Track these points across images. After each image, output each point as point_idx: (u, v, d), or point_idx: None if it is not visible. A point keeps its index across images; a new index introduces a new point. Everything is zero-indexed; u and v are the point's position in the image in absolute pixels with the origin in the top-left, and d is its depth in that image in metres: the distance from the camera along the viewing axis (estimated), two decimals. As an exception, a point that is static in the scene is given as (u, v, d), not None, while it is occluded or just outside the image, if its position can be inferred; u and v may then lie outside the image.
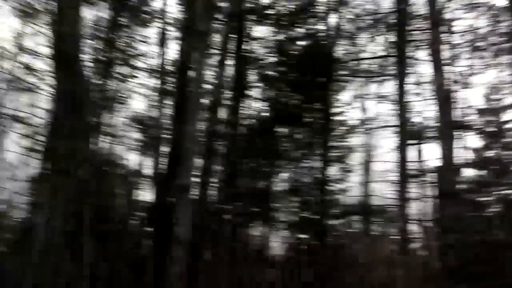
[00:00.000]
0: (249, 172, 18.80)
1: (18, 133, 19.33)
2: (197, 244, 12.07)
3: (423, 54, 18.64)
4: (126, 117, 18.99)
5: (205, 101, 12.52)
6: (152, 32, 19.30)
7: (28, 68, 18.04)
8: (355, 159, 21.96)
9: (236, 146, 16.14)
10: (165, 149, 14.91)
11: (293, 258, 20.28)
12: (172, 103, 15.88)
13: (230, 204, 15.75)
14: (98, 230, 9.93)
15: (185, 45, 15.42)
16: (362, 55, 20.67)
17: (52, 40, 14.93)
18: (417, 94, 19.01)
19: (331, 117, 19.32)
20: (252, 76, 18.71)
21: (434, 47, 15.42)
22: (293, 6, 19.07)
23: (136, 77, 19.20)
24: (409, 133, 18.33)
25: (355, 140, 21.92)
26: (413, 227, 18.66)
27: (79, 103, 8.69)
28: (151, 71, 18.77)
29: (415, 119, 19.11)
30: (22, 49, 18.56)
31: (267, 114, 19.28)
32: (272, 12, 18.96)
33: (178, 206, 8.63)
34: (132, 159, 23.11)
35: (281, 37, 19.23)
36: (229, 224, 15.59)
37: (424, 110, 19.22)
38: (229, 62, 16.37)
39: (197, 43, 11.27)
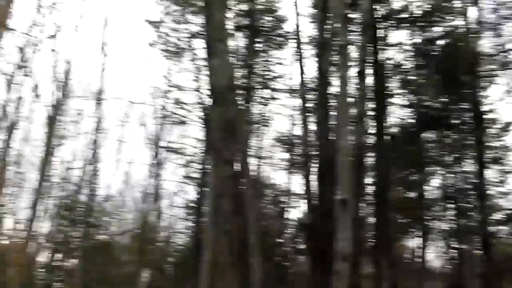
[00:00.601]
0: (400, 182, 18.26)
1: (174, 163, 20.99)
2: (356, 258, 11.94)
3: None
4: (272, 138, 19.68)
5: (350, 113, 12.45)
6: (288, 53, 19.88)
7: (179, 102, 19.58)
8: (515, 158, 20.28)
9: (384, 156, 15.76)
10: (314, 166, 15.06)
11: (454, 269, 19.20)
12: (315, 119, 16.05)
13: (383, 216, 15.37)
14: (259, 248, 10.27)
15: (323, 61, 15.54)
16: (510, 45, 19.13)
17: (204, 73, 16.07)
18: None
19: (482, 116, 18.08)
20: (393, 83, 18.27)
21: None
22: (429, 5, 18.29)
23: (277, 98, 19.86)
24: None
25: (512, 137, 20.28)
26: None
27: (234, 130, 9.17)
28: (291, 91, 19.25)
29: None
30: (172, 85, 20.21)
31: (413, 120, 18.63)
32: (407, 15, 18.38)
33: (338, 221, 8.61)
34: (281, 178, 23.78)
35: (419, 39, 18.56)
36: (384, 236, 15.19)
37: None
38: (368, 71, 16.15)
39: (337, 56, 11.30)
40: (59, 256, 20.06)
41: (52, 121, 19.73)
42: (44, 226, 20.15)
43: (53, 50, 19.87)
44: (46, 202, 19.89)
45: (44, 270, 19.63)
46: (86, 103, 21.84)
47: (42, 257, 20.28)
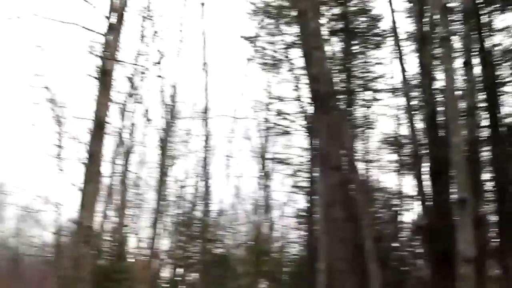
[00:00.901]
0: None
1: (282, 174, 21.21)
2: (480, 260, 11.26)
3: None
4: (378, 140, 19.23)
5: (460, 107, 11.87)
6: (386, 51, 19.38)
7: (281, 113, 19.84)
8: None
9: (501, 149, 14.75)
10: (424, 165, 14.47)
11: None
12: (422, 117, 15.46)
13: (507, 213, 14.35)
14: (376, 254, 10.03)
15: (424, 55, 14.97)
16: None
17: (303, 82, 16.18)
18: None
19: None
20: (503, 70, 17.12)
21: None
22: (537, -17, 16.93)
23: (379, 99, 19.40)
24: None
25: None
26: None
27: (339, 135, 9.09)
28: (393, 90, 18.72)
29: None
30: (273, 97, 20.55)
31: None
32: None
33: (458, 221, 8.20)
34: (391, 181, 23.08)
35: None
36: (510, 235, 14.16)
37: None
38: (475, 61, 15.28)
39: (440, 49, 10.84)
40: (180, 271, 21.03)
41: (163, 143, 20.88)
42: (164, 243, 21.31)
43: (159, 76, 21.10)
44: (164, 220, 21.01)
45: (167, 284, 20.67)
46: (193, 123, 22.85)
47: (165, 273, 21.42)
